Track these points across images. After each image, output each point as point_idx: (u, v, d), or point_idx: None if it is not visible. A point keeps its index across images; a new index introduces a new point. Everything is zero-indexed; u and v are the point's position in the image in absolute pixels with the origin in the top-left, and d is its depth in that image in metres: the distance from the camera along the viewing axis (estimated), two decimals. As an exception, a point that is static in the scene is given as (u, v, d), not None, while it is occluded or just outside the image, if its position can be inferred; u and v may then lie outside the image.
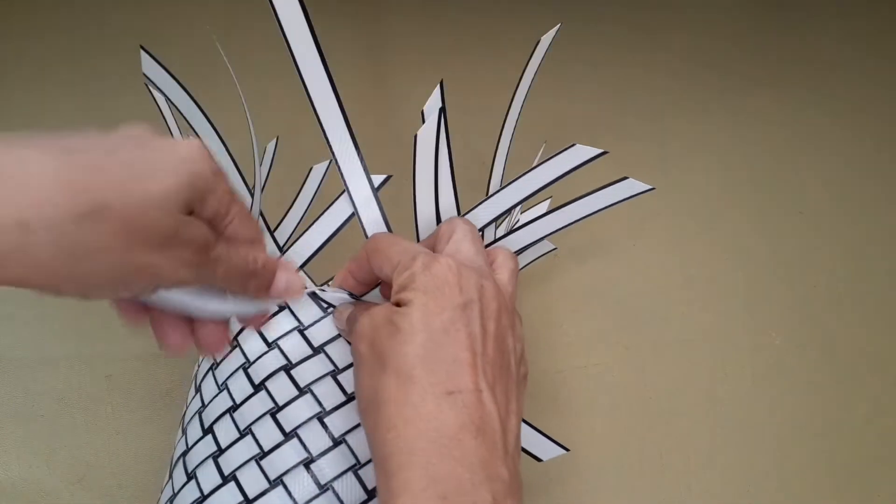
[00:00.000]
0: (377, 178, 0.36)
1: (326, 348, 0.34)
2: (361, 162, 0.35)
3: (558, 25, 0.41)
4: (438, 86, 0.35)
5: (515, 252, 0.38)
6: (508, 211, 0.36)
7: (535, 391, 0.50)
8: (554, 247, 0.49)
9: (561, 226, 0.38)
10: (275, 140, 0.46)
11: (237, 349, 0.35)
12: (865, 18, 0.73)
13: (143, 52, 0.42)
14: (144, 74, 0.42)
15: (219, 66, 0.59)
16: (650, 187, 0.37)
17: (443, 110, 0.35)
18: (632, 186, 0.37)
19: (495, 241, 0.38)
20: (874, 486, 0.47)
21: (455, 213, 0.37)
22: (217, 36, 0.64)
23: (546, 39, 0.41)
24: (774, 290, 0.55)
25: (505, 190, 0.36)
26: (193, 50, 0.63)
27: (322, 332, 0.35)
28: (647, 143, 0.62)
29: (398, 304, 0.29)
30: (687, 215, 0.58)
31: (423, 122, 0.36)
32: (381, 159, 0.59)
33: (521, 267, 0.48)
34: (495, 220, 0.37)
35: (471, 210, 0.37)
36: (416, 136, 0.35)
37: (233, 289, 0.30)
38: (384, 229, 0.35)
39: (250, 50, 0.59)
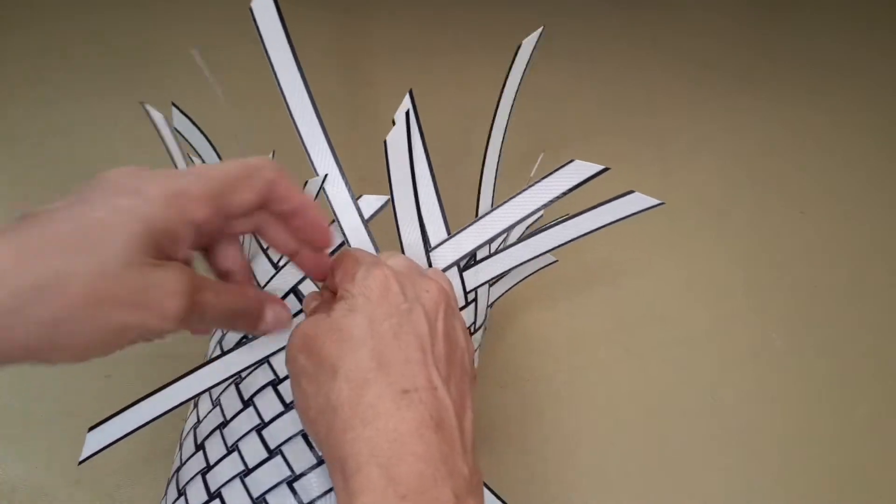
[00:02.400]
0: (371, 201, 0.34)
1: None
2: (349, 190, 0.34)
3: (540, 28, 0.39)
4: (408, 94, 0.34)
5: (516, 266, 0.37)
6: (501, 234, 0.35)
7: (536, 391, 0.49)
8: (555, 259, 0.48)
9: (564, 241, 0.36)
10: (271, 154, 0.46)
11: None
12: (865, 17, 0.73)
13: (174, 109, 0.42)
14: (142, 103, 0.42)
15: (219, 73, 0.58)
16: (658, 202, 0.35)
17: (409, 113, 0.33)
18: (639, 201, 0.35)
19: (493, 254, 0.37)
20: (874, 487, 0.47)
21: (440, 218, 0.35)
22: (221, 47, 0.64)
23: (528, 43, 0.38)
24: (774, 290, 0.55)
25: (496, 211, 0.34)
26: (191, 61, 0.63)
27: None
28: (647, 142, 0.62)
29: (339, 310, 0.28)
30: (687, 215, 0.58)
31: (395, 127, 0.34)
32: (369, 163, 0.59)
33: (521, 279, 0.48)
34: (486, 243, 0.35)
35: (458, 233, 0.35)
36: (385, 142, 0.33)
37: (220, 327, 0.31)
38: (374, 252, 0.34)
39: (248, 61, 0.59)
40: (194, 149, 0.43)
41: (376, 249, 0.34)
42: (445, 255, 0.34)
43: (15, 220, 0.24)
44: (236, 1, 0.67)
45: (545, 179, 0.33)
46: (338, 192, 0.34)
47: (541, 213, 0.35)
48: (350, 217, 0.34)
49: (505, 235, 0.39)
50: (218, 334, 0.37)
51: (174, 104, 0.42)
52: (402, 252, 0.34)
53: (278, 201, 0.29)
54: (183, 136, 0.42)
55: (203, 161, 0.43)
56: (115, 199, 0.25)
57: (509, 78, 0.39)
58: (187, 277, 0.26)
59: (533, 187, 0.34)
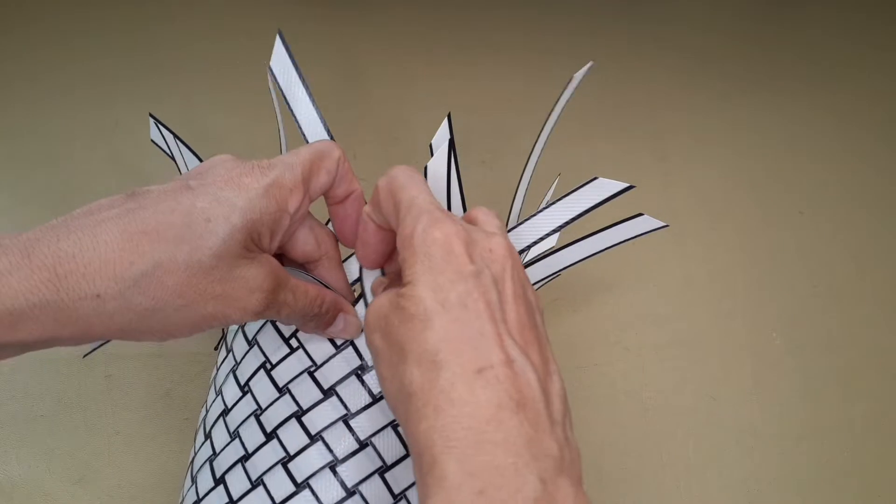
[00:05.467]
0: None
1: (337, 389, 0.32)
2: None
3: (590, 63, 0.40)
4: (446, 119, 0.33)
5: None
6: (526, 250, 0.35)
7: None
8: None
9: (574, 261, 0.37)
10: None
11: (248, 394, 0.34)
12: (866, 15, 0.72)
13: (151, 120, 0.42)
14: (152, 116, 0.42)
15: (224, 80, 0.58)
16: (664, 224, 0.36)
17: (452, 142, 0.32)
18: (646, 223, 0.36)
19: None
20: (874, 487, 0.47)
21: None
22: (224, 44, 0.63)
23: (577, 77, 0.39)
24: (774, 290, 0.54)
25: (519, 228, 0.34)
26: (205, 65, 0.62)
27: (334, 372, 0.33)
28: (647, 142, 0.62)
29: (404, 283, 0.25)
30: (687, 215, 0.58)
31: (432, 154, 0.33)
32: (378, 164, 0.59)
33: None
34: None
35: None
36: (426, 168, 0.32)
37: (292, 324, 0.31)
38: None
39: (252, 59, 0.59)
40: (173, 158, 0.43)
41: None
42: None
43: (124, 196, 0.25)
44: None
45: (569, 196, 0.33)
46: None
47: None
48: None
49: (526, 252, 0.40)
50: (231, 361, 0.37)
51: (151, 115, 0.41)
52: None
53: (340, 182, 0.30)
54: (161, 148, 0.42)
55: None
56: (218, 190, 0.26)
57: (554, 110, 0.39)
58: (273, 275, 0.27)
59: (556, 204, 0.33)
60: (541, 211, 0.34)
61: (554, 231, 0.34)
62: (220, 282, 0.25)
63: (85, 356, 0.33)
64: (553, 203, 0.34)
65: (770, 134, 0.63)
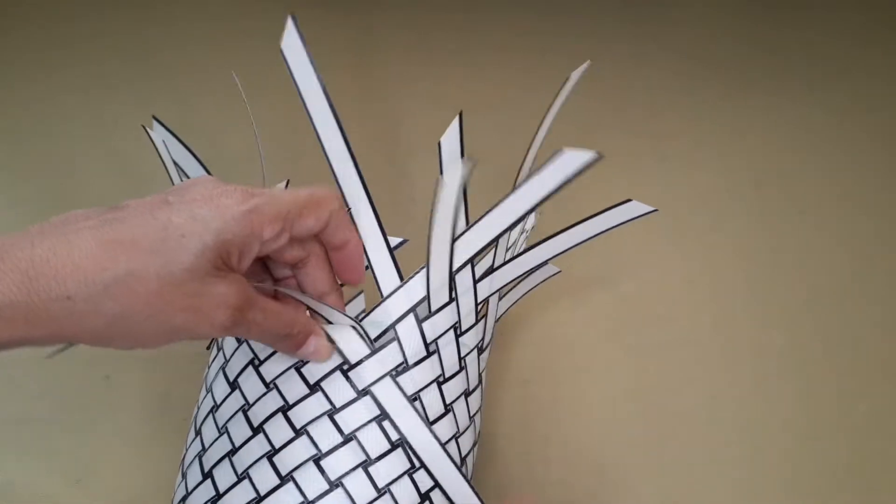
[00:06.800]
0: (392, 241, 0.35)
1: (322, 384, 0.32)
2: (379, 224, 0.34)
3: (587, 63, 0.40)
4: (457, 118, 0.32)
5: (519, 276, 0.37)
6: (500, 235, 0.33)
7: (537, 391, 0.49)
8: (558, 270, 0.48)
9: (563, 249, 0.37)
10: (285, 183, 0.46)
11: (237, 391, 0.34)
12: (867, 16, 0.72)
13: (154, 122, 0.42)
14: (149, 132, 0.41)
15: (222, 87, 0.58)
16: (653, 209, 0.36)
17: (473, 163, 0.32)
18: (635, 208, 0.36)
19: (501, 265, 0.37)
20: (874, 487, 0.47)
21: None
22: (223, 45, 0.63)
23: (575, 76, 0.39)
24: (775, 290, 0.54)
25: (491, 213, 0.33)
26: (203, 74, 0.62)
27: (319, 367, 0.33)
28: (647, 142, 0.62)
29: None
30: (687, 215, 0.58)
31: (440, 153, 0.34)
32: (378, 162, 0.59)
33: (526, 291, 0.47)
34: (491, 243, 0.34)
35: (461, 234, 0.34)
36: (437, 181, 0.32)
37: (262, 343, 0.32)
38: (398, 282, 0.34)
39: (252, 61, 0.59)
40: (178, 166, 0.42)
41: (400, 275, 0.34)
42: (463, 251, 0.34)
43: (104, 208, 0.26)
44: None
45: (536, 175, 0.31)
46: (367, 222, 0.34)
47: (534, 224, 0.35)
48: (377, 246, 0.34)
49: (508, 245, 0.39)
50: (221, 359, 0.37)
51: (155, 117, 0.41)
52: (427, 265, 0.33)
53: (333, 231, 0.31)
54: (168, 149, 0.41)
55: (188, 176, 0.42)
56: (195, 208, 0.26)
57: (550, 110, 0.39)
58: (242, 294, 0.28)
59: (524, 187, 0.32)
60: (509, 195, 0.32)
61: (525, 215, 0.32)
62: (190, 296, 0.26)
63: (48, 357, 0.32)
64: (520, 185, 0.32)
65: (770, 134, 0.63)
